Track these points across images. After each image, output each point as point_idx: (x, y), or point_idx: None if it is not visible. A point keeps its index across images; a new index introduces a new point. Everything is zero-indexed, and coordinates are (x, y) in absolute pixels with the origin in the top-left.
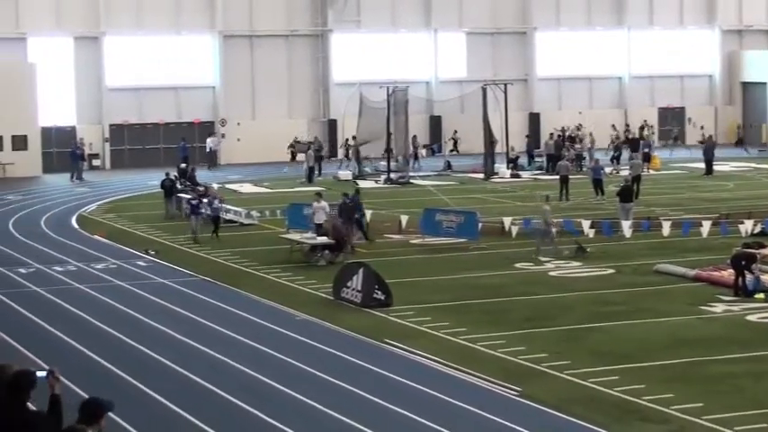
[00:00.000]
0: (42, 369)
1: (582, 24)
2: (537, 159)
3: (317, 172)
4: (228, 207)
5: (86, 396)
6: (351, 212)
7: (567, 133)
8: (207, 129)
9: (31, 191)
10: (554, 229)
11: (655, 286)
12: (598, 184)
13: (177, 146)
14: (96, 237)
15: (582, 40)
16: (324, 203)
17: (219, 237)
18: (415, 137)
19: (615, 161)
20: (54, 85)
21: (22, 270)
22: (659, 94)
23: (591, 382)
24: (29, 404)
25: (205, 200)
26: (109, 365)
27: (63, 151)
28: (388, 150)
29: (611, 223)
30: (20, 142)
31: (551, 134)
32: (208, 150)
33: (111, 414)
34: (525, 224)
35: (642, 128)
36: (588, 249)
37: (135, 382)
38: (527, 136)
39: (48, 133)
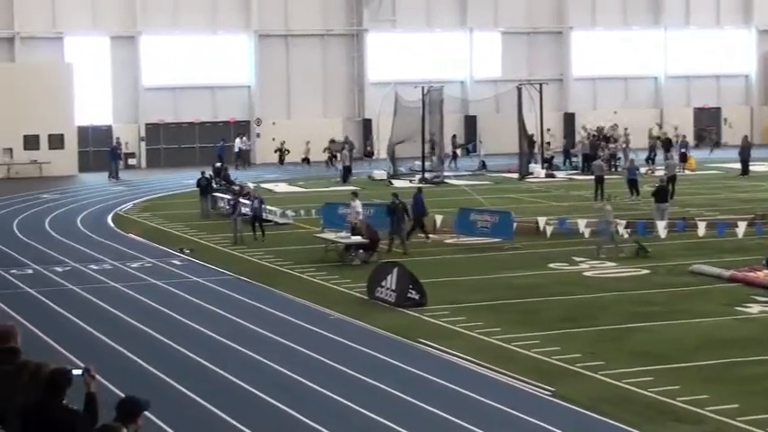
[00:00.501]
0: (78, 367)
1: (618, 24)
2: (573, 159)
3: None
4: (264, 206)
5: (122, 395)
6: (401, 213)
7: (602, 133)
8: (242, 128)
9: (68, 190)
10: (615, 230)
11: (690, 287)
12: (633, 185)
13: (215, 145)
14: (131, 235)
15: (618, 40)
16: (357, 203)
17: (262, 235)
18: (454, 136)
19: (651, 161)
20: (90, 84)
21: (59, 268)
22: (695, 93)
23: (625, 382)
24: (65, 402)
25: (245, 200)
26: (144, 364)
27: (99, 150)
28: (424, 150)
29: (646, 223)
30: (56, 141)
31: (588, 133)
32: (236, 150)
33: (146, 412)
34: (560, 224)
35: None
36: (650, 249)
37: (170, 380)
38: (565, 137)
39: (84, 132)
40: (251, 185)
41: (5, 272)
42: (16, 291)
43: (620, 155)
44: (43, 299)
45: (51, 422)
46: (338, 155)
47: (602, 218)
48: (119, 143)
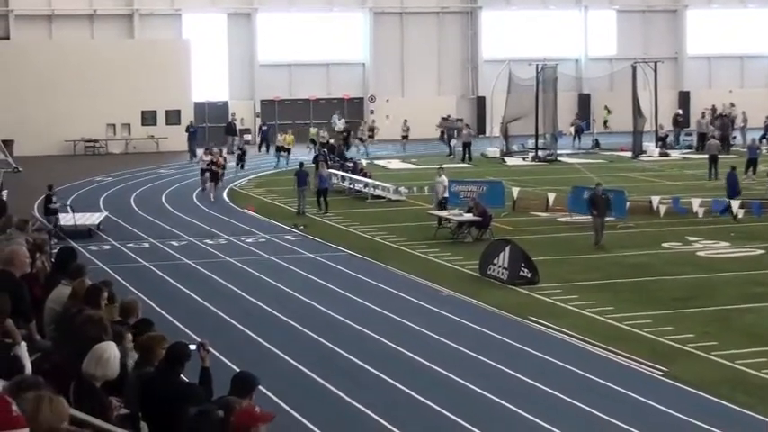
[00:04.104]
0: (193, 341)
1: (734, 2)
2: (686, 138)
3: (458, 150)
4: (377, 183)
5: (237, 369)
6: (602, 205)
7: (717, 112)
8: (356, 105)
9: (184, 165)
10: None
11: None
12: (753, 164)
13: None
14: (246, 211)
15: (734, 18)
16: (444, 178)
17: (326, 207)
18: (577, 115)
19: (766, 141)
20: (207, 60)
21: (175, 243)
22: None
23: (738, 363)
24: (182, 376)
25: (359, 176)
26: (257, 338)
27: (215, 126)
28: (537, 128)
29: (760, 203)
30: (173, 117)
31: (703, 113)
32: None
33: (259, 386)
34: (674, 203)
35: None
36: None
37: (283, 354)
38: (719, 116)
39: (200, 108)
40: (364, 162)
41: (123, 245)
42: (134, 264)
43: (736, 134)
44: (160, 272)
45: (168, 395)
46: (455, 132)
47: None
48: (234, 119)
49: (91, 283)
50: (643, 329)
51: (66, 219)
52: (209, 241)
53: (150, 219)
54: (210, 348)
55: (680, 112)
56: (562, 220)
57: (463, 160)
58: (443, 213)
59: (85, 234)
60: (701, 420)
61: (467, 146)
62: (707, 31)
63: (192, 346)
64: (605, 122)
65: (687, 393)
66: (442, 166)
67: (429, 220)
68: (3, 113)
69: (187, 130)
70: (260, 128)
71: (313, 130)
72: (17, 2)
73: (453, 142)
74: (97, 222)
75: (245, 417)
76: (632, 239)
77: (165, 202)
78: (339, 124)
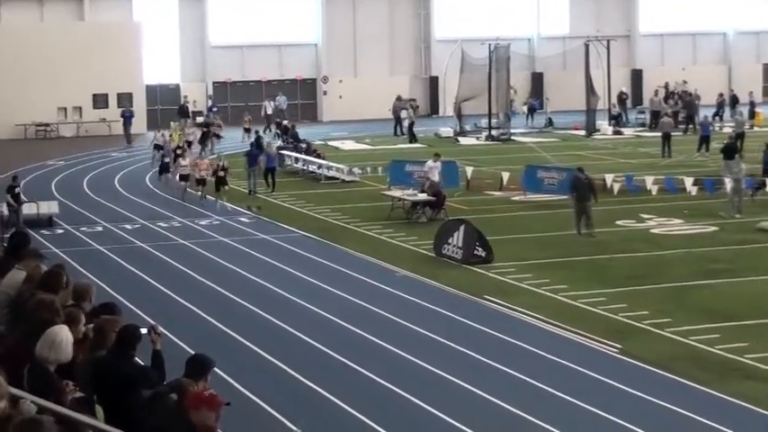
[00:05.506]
0: (145, 324)
1: None
2: (639, 116)
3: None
4: (331, 164)
5: (191, 351)
6: (585, 190)
7: (670, 89)
8: (309, 86)
9: (136, 148)
10: (744, 187)
11: (758, 244)
12: (705, 141)
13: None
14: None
15: None
16: (439, 164)
17: (273, 187)
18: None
19: (719, 118)
20: (158, 43)
21: (128, 226)
22: (765, 50)
23: (692, 339)
24: (136, 359)
25: (310, 157)
26: (212, 320)
27: (167, 109)
28: (490, 107)
29: (713, 180)
30: (125, 100)
31: (656, 91)
32: (263, 114)
33: (214, 369)
34: (627, 181)
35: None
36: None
37: (238, 336)
38: (680, 94)
39: (152, 91)
40: (317, 142)
41: (76, 229)
42: (87, 248)
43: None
44: (113, 256)
45: (121, 378)
46: (403, 113)
47: (733, 175)
48: (186, 101)
49: (48, 268)
50: (597, 307)
51: (28, 208)
52: (162, 224)
53: (103, 202)
54: (164, 330)
55: (624, 90)
56: (516, 198)
57: (410, 141)
58: (397, 194)
59: (46, 223)
60: (655, 396)
61: (410, 126)
62: (659, 9)
63: (144, 330)
64: (512, 102)
65: (642, 370)
66: (438, 152)
67: (383, 201)
68: None
69: (122, 115)
70: (209, 109)
71: (174, 124)
72: None
73: (406, 123)
74: (57, 210)
75: (198, 400)
76: None
77: (117, 186)
78: (269, 107)
